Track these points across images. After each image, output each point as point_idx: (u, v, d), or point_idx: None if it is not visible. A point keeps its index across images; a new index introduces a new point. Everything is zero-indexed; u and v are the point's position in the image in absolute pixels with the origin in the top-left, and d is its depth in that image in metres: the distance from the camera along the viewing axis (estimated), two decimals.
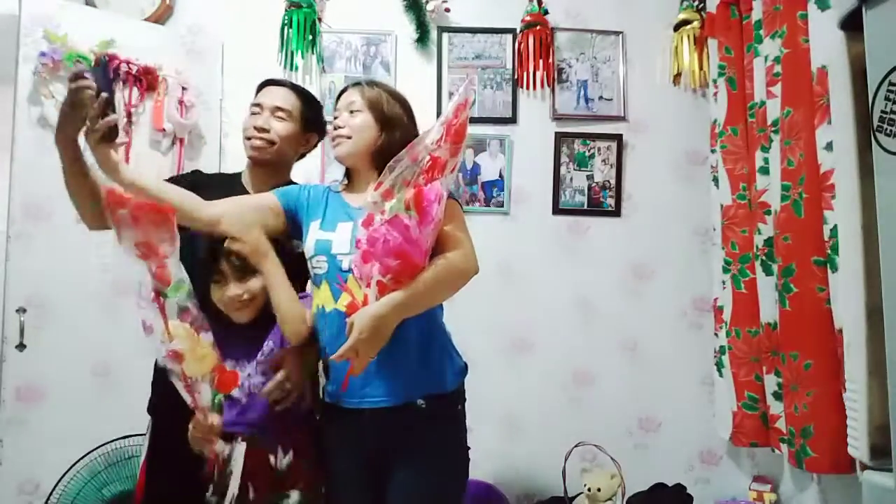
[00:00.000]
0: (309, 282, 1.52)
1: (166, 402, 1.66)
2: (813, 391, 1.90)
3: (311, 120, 1.80)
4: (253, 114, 1.75)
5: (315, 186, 1.60)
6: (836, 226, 1.79)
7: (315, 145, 1.85)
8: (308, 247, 1.48)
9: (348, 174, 1.60)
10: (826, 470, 1.90)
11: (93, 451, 2.04)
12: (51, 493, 1.97)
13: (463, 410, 1.52)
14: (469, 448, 1.51)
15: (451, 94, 2.61)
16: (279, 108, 1.73)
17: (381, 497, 1.45)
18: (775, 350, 2.09)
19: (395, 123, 1.52)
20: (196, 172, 1.87)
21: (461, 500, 1.51)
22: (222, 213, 1.45)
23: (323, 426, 1.53)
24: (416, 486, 1.41)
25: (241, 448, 1.40)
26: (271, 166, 1.75)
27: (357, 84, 1.58)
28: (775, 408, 2.13)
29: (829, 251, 1.83)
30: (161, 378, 1.69)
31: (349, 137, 1.51)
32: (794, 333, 1.97)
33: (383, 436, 1.42)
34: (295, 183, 1.74)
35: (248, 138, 1.72)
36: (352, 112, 1.53)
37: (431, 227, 1.31)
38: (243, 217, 1.47)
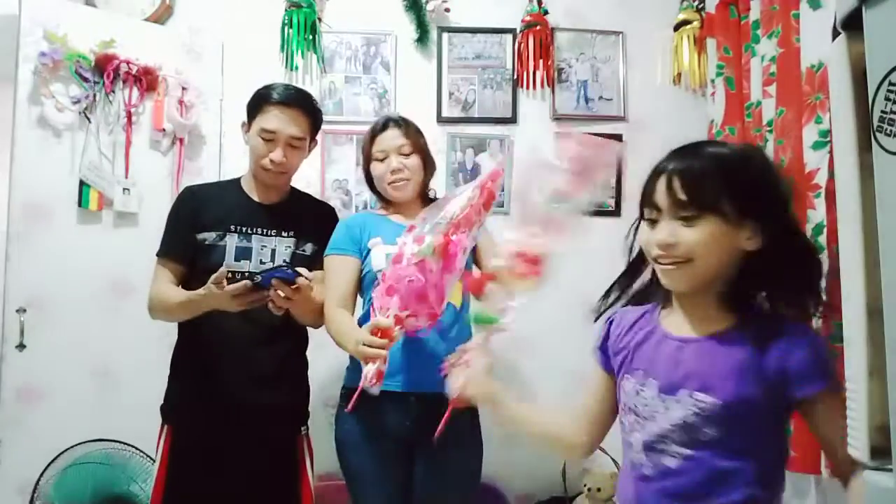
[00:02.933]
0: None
1: (189, 408, 1.69)
2: None
3: (316, 130, 1.80)
4: (266, 140, 1.68)
5: (354, 218, 1.81)
6: (816, 225, 1.80)
7: (313, 149, 1.84)
8: (378, 261, 1.63)
9: (382, 198, 1.80)
10: (801, 469, 1.93)
11: (75, 446, 2.04)
12: (36, 486, 1.98)
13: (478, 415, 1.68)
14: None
15: (451, 95, 2.61)
16: (295, 138, 1.70)
17: (403, 488, 1.61)
18: None
19: (429, 157, 1.77)
20: (187, 191, 1.83)
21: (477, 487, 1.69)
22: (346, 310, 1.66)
23: (345, 414, 1.60)
24: (449, 470, 1.59)
25: None
26: (280, 185, 1.79)
27: (396, 123, 1.73)
28: None
29: None
30: (184, 381, 1.71)
31: (409, 180, 1.70)
32: None
33: (420, 421, 1.54)
34: (294, 188, 1.86)
35: (265, 168, 1.71)
36: (405, 155, 1.70)
37: (453, 275, 1.44)
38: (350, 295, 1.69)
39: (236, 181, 1.82)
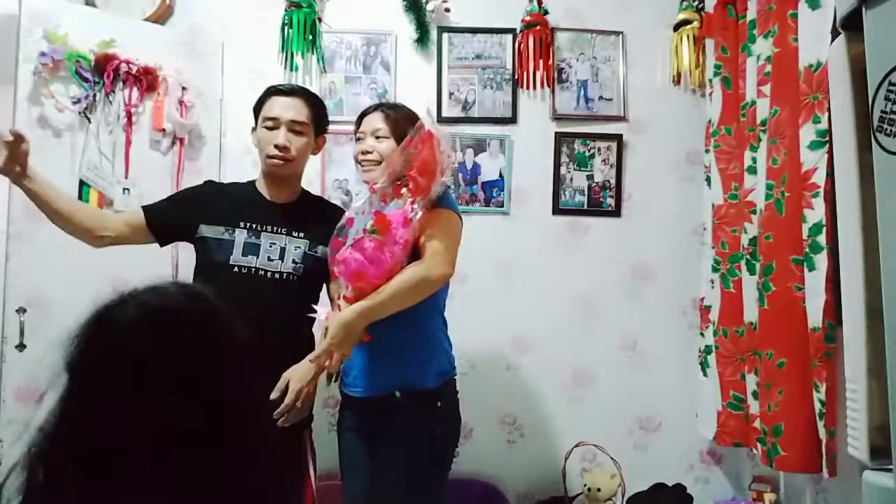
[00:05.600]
0: None
1: None
2: (783, 389, 1.91)
3: (322, 124, 1.83)
4: (270, 129, 1.74)
5: None
6: (814, 225, 1.80)
7: (322, 146, 1.87)
8: None
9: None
10: (795, 469, 1.93)
11: None
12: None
13: (446, 408, 1.64)
14: (450, 444, 1.66)
15: (451, 95, 2.61)
16: (296, 122, 1.74)
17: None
18: (756, 349, 2.10)
19: None
20: (209, 183, 1.91)
21: (428, 486, 1.62)
22: None
23: (340, 409, 1.78)
24: (385, 464, 1.60)
25: None
26: (288, 177, 1.79)
27: (379, 108, 1.71)
28: (754, 407, 2.13)
29: (806, 250, 1.83)
30: None
31: (379, 163, 1.66)
32: (770, 332, 1.98)
33: (373, 419, 1.63)
34: (306, 190, 1.89)
35: (270, 156, 1.74)
36: (378, 138, 1.68)
37: (399, 248, 1.49)
38: None
39: (251, 182, 1.86)
